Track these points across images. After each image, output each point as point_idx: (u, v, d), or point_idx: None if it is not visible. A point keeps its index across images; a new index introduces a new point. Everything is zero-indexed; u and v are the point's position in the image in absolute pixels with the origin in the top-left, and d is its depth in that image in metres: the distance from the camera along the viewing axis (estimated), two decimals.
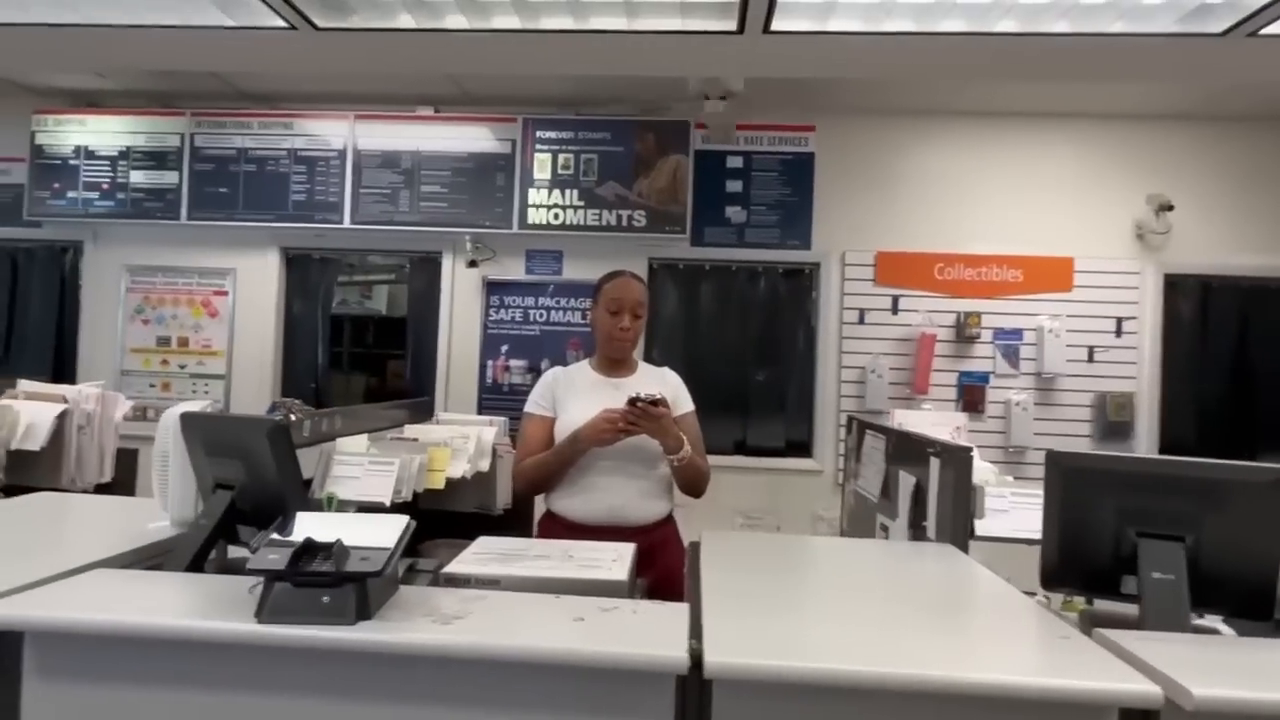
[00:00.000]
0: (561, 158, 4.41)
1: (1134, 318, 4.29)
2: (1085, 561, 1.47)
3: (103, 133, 4.59)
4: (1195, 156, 4.29)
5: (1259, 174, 4.28)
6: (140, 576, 1.39)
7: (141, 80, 4.41)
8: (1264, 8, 2.03)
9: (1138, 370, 4.29)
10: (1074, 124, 4.33)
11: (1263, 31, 2.14)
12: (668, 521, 2.11)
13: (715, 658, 1.05)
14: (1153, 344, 4.31)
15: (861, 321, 4.39)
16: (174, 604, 1.23)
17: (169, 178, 4.55)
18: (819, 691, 1.05)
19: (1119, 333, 4.29)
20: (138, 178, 4.57)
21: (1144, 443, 4.26)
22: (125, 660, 1.13)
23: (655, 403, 1.93)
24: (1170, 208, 4.21)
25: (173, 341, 4.64)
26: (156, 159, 4.56)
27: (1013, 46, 2.30)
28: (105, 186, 4.58)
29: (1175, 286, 4.36)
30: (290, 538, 1.19)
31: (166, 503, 1.69)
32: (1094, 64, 2.40)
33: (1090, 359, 4.28)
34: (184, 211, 4.54)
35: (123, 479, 2.79)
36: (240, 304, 4.64)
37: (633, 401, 1.93)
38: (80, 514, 1.96)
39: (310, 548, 1.17)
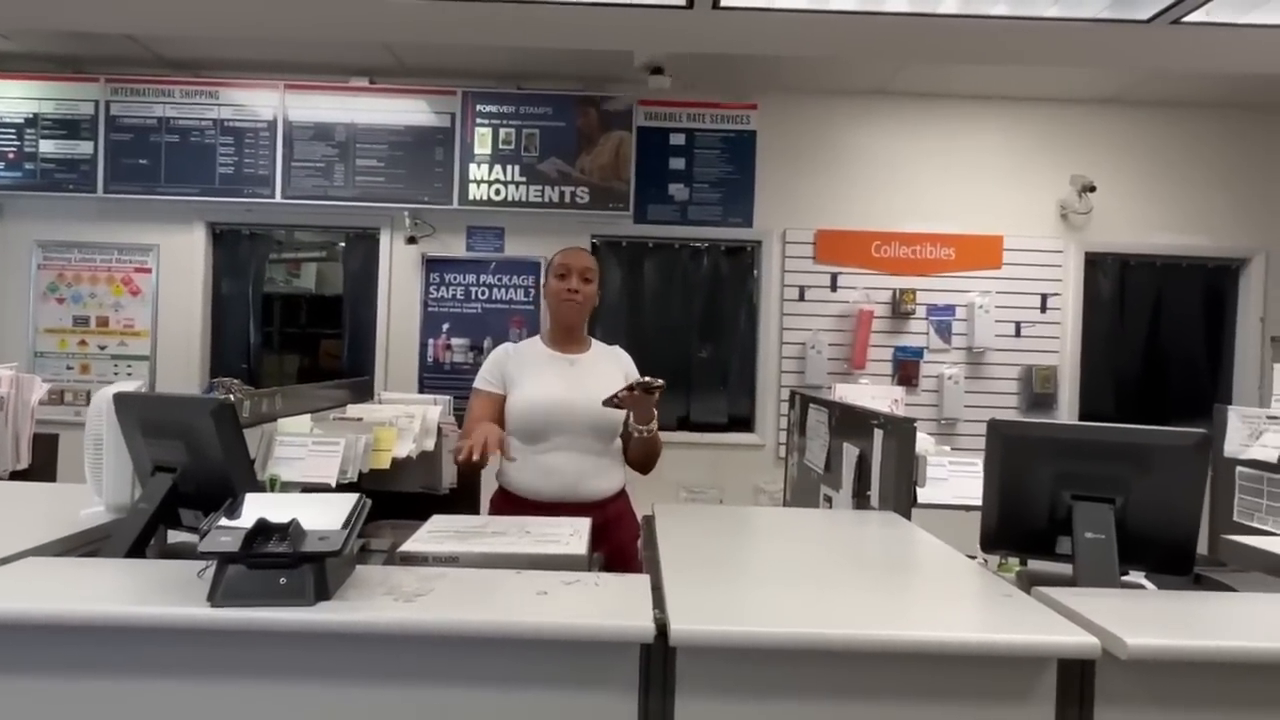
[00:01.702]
0: (503, 132, 4.33)
1: (1058, 294, 4.48)
2: (1022, 524, 1.53)
3: (6, 98, 4.31)
4: (1116, 140, 4.49)
5: (1175, 158, 4.50)
6: (78, 564, 1.33)
7: (49, 43, 4.14)
8: None
9: (1060, 344, 4.49)
10: (1003, 107, 4.48)
11: (1184, 19, 2.24)
12: (621, 496, 2.12)
13: (680, 625, 1.07)
14: (1074, 319, 4.51)
15: (802, 298, 4.47)
16: (119, 590, 1.18)
17: (83, 147, 4.30)
18: (780, 654, 1.08)
19: (1044, 308, 4.48)
20: (47, 147, 4.31)
21: (1066, 413, 4.47)
22: (71, 651, 1.08)
23: (655, 388, 1.93)
24: (1092, 189, 4.39)
25: (91, 321, 4.41)
26: (68, 127, 4.30)
27: (953, 28, 2.35)
28: (11, 156, 4.31)
29: (1095, 264, 4.57)
30: (240, 519, 1.16)
31: (100, 487, 1.61)
32: (1028, 47, 2.48)
33: (1017, 334, 4.46)
34: (100, 184, 4.30)
35: (41, 465, 2.65)
36: (164, 281, 4.43)
37: (632, 388, 1.92)
38: (3, 501, 1.86)
39: (263, 529, 1.14)
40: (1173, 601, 1.33)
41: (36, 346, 4.39)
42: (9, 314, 4.41)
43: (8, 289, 4.41)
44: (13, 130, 4.30)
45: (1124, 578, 1.48)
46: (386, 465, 2.23)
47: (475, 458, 1.78)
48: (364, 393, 3.28)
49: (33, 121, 4.30)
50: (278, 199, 4.32)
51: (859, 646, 1.08)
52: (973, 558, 1.62)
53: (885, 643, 1.08)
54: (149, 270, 4.42)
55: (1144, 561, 1.50)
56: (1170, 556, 1.47)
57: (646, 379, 1.94)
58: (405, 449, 2.31)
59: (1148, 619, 1.20)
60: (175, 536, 1.55)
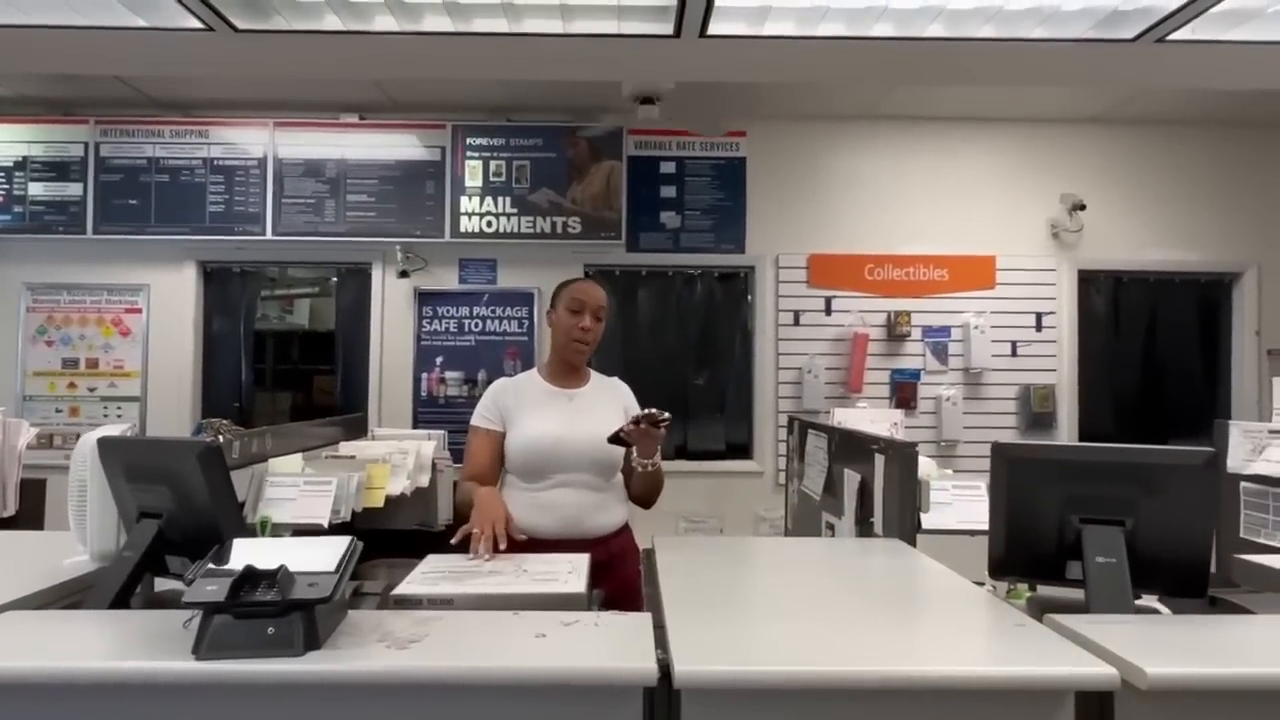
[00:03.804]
0: (493, 165, 4.34)
1: (1052, 312, 4.48)
2: (1031, 549, 1.50)
3: None
4: (1104, 158, 4.52)
5: (1163, 174, 4.53)
6: (59, 617, 1.29)
7: (39, 86, 4.15)
8: (1171, 15, 2.14)
9: (1057, 363, 4.47)
10: (992, 128, 4.50)
11: (1170, 37, 2.26)
12: (624, 531, 2.07)
13: (684, 667, 1.03)
14: (1070, 337, 4.50)
15: (796, 323, 4.46)
16: (101, 644, 1.14)
17: (72, 189, 4.29)
18: (789, 694, 1.04)
19: (1039, 327, 4.47)
20: (37, 190, 4.30)
21: (1065, 432, 4.45)
22: (51, 709, 1.04)
23: (660, 422, 1.88)
24: (1082, 207, 4.41)
25: (80, 363, 4.37)
26: (58, 170, 4.30)
27: (940, 51, 2.37)
28: (0, 199, 4.29)
29: (1089, 282, 4.57)
30: (228, 566, 1.12)
31: (85, 535, 1.57)
32: (1016, 68, 2.49)
33: (1014, 353, 4.44)
34: (90, 225, 4.29)
35: (29, 512, 2.60)
36: (155, 321, 4.40)
37: (637, 421, 1.87)
38: None
39: (251, 576, 1.10)
40: (1191, 627, 1.29)
41: (25, 390, 4.34)
42: None
43: None
44: (2, 174, 4.29)
45: (1137, 602, 1.44)
46: (380, 504, 2.19)
47: (487, 556, 1.63)
48: (357, 429, 3.24)
49: (22, 165, 4.30)
50: (269, 236, 4.30)
51: (870, 684, 1.04)
52: (981, 584, 1.59)
53: (897, 679, 1.04)
54: (139, 310, 4.39)
55: (1157, 584, 1.46)
56: (1184, 579, 1.44)
57: (651, 411, 1.87)
58: (399, 486, 2.27)
59: (1166, 646, 1.16)
60: (165, 584, 1.51)
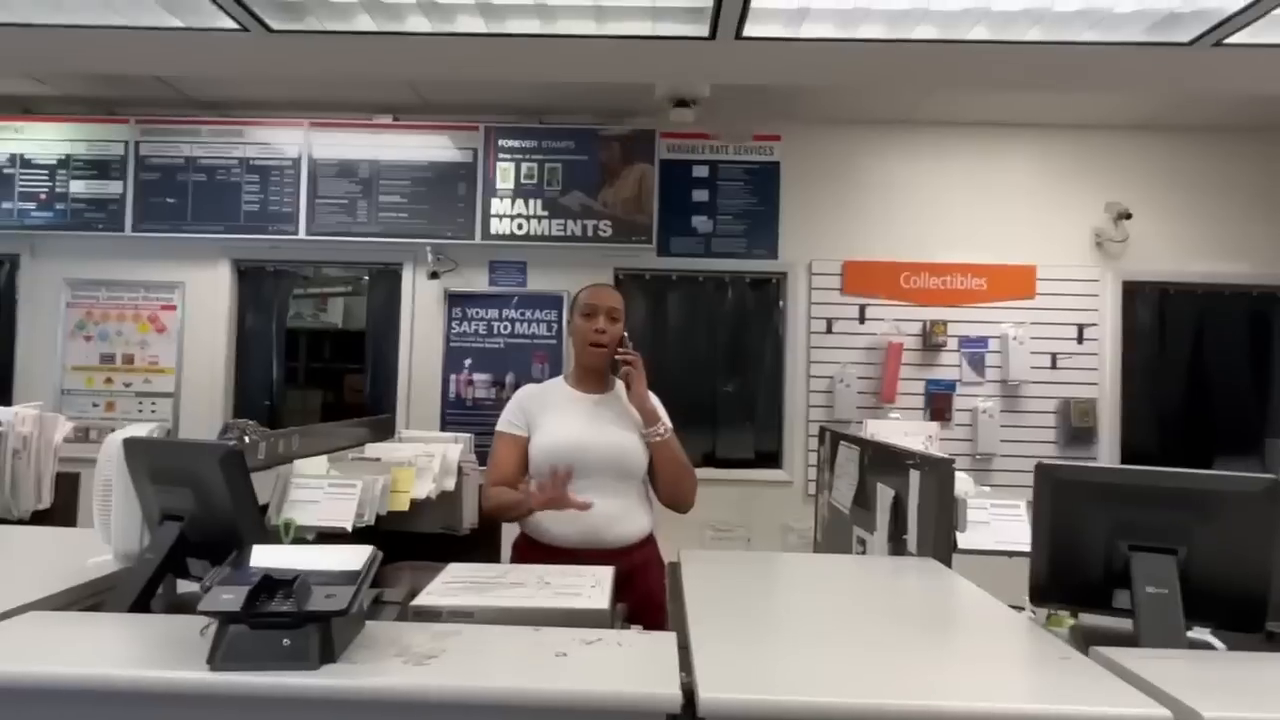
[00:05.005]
0: (525, 167, 4.33)
1: (1095, 324, 4.35)
2: (1076, 575, 1.44)
3: (40, 140, 4.39)
4: (1152, 165, 4.38)
5: (1214, 182, 4.38)
6: (79, 619, 1.28)
7: (82, 86, 4.22)
8: (1229, 18, 2.05)
9: (1099, 376, 4.34)
10: (1035, 134, 4.39)
11: (1228, 40, 2.16)
12: (649, 542, 2.04)
13: (709, 693, 0.99)
14: (1113, 350, 4.37)
15: (829, 331, 4.38)
16: (117, 650, 1.13)
17: (112, 187, 4.36)
18: None
19: (1080, 339, 4.34)
20: (78, 187, 4.37)
21: (1106, 448, 4.32)
22: (63, 715, 1.02)
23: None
24: (1128, 216, 4.28)
25: (117, 359, 4.44)
26: (98, 168, 4.37)
27: (985, 54, 2.29)
28: (43, 197, 4.38)
29: (1133, 293, 4.44)
30: (246, 574, 1.10)
31: (109, 535, 1.57)
32: (1064, 73, 2.41)
33: (1054, 366, 4.32)
34: (129, 223, 4.36)
35: (63, 504, 2.63)
36: (190, 319, 4.45)
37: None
38: (13, 548, 1.82)
39: (268, 584, 1.08)
40: (1248, 664, 1.22)
41: (64, 384, 4.41)
42: (39, 352, 4.45)
43: (38, 327, 4.46)
44: (45, 171, 4.38)
45: (1189, 634, 1.37)
46: (405, 507, 2.17)
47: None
48: (385, 431, 3.23)
49: (65, 163, 4.38)
50: (302, 235, 4.34)
51: (906, 717, 0.98)
52: (1019, 609, 1.52)
53: (936, 715, 0.98)
54: (174, 308, 4.45)
55: (1211, 617, 1.39)
56: (1240, 611, 1.36)
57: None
58: (424, 489, 2.25)
59: (1223, 685, 1.09)
60: (186, 586, 1.50)
